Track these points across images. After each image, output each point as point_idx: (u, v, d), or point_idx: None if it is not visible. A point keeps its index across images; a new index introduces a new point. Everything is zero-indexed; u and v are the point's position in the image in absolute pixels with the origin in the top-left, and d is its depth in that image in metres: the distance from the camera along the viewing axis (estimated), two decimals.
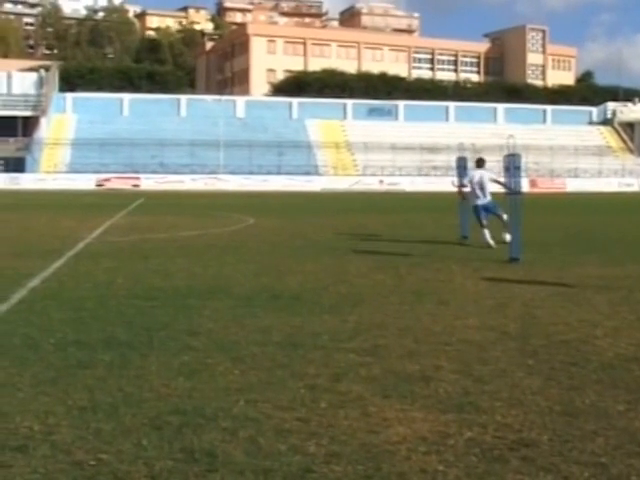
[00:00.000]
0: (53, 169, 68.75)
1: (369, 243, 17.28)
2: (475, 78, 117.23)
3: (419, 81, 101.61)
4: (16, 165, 67.55)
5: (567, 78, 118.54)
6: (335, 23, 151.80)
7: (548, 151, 78.87)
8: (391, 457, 4.22)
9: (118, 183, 65.19)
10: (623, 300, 9.56)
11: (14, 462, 4.10)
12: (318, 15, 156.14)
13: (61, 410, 4.98)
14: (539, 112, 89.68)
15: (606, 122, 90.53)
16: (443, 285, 10.81)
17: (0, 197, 44.02)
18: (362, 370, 6.01)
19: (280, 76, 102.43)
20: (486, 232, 16.20)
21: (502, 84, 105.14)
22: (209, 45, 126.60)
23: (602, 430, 4.68)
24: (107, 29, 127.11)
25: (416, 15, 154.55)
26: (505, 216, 14.99)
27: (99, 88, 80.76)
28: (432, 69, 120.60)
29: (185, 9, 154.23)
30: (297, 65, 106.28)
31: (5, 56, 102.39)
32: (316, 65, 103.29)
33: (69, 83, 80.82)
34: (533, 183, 68.87)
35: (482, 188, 16.53)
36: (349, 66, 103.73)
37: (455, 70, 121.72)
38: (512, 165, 14.02)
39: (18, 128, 72.82)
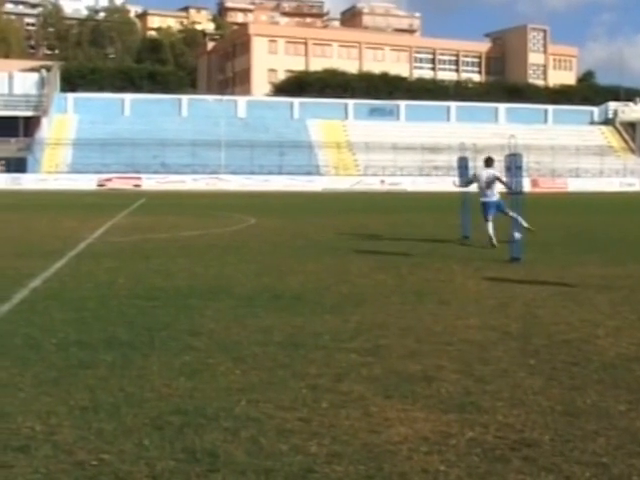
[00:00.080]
0: (54, 169, 68.77)
1: (370, 243, 17.28)
2: (476, 78, 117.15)
3: (420, 81, 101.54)
4: (17, 165, 67.57)
5: (568, 78, 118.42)
6: (336, 23, 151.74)
7: (549, 151, 78.80)
8: (393, 457, 4.22)
9: (119, 183, 65.19)
10: (624, 300, 9.56)
11: (16, 462, 4.10)
12: (319, 15, 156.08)
13: (63, 410, 4.98)
14: (540, 112, 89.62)
15: (607, 122, 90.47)
16: (444, 285, 10.81)
17: (2, 197, 44.04)
18: (364, 370, 6.02)
19: (281, 76, 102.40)
20: (489, 225, 16.27)
21: (503, 84, 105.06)
22: (210, 45, 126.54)
23: (603, 430, 4.68)
24: (108, 29, 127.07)
25: (417, 15, 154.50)
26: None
27: (100, 88, 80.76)
28: (433, 69, 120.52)
29: (186, 9, 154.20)
30: (298, 65, 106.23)
31: (6, 56, 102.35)
32: (317, 65, 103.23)
33: (70, 83, 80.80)
34: (534, 183, 68.84)
35: (490, 187, 16.55)
36: (350, 66, 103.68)
37: (456, 70, 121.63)
38: (513, 165, 14.03)
39: (19, 128, 72.83)
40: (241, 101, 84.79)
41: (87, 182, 64.47)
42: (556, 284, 10.90)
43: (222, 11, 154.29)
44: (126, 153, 69.25)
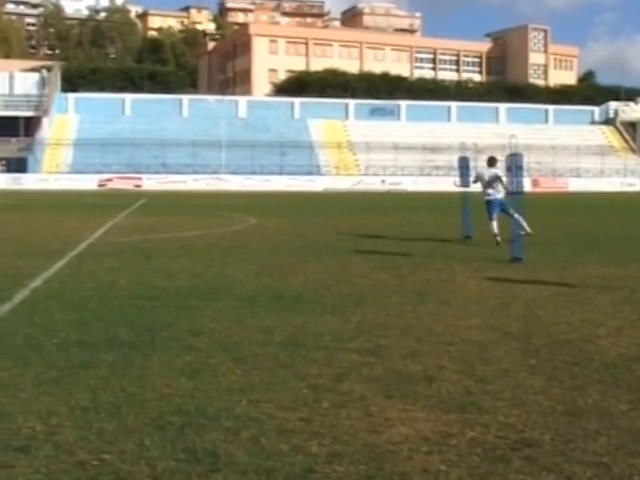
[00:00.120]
0: (55, 169, 68.82)
1: (371, 243, 17.27)
2: (477, 78, 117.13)
3: (421, 81, 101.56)
4: (18, 165, 67.63)
5: (569, 78, 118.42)
6: (337, 23, 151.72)
7: (550, 151, 78.82)
8: (393, 457, 4.22)
9: (120, 183, 65.22)
10: (625, 300, 9.56)
11: (16, 462, 4.10)
12: (320, 15, 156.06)
13: (63, 410, 4.98)
14: (541, 112, 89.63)
15: (608, 122, 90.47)
16: (445, 285, 10.81)
17: (2, 197, 44.06)
18: (364, 370, 6.02)
19: (282, 76, 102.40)
20: (494, 224, 16.33)
21: (504, 84, 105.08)
22: (211, 45, 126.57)
23: (604, 430, 4.68)
24: (109, 29, 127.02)
25: (418, 15, 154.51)
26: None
27: (101, 88, 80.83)
28: (434, 69, 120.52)
29: (187, 9, 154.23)
30: (299, 65, 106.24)
31: (7, 56, 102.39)
32: (318, 65, 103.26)
33: (71, 83, 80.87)
34: (535, 183, 68.85)
35: (493, 186, 16.60)
36: (351, 66, 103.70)
37: (457, 70, 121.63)
38: (514, 165, 14.03)
39: (20, 128, 72.88)
40: (242, 101, 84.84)
41: (88, 182, 64.53)
42: (557, 284, 10.89)
43: (223, 11, 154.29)
44: (127, 153, 69.30)
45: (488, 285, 10.87)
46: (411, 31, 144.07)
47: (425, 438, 4.51)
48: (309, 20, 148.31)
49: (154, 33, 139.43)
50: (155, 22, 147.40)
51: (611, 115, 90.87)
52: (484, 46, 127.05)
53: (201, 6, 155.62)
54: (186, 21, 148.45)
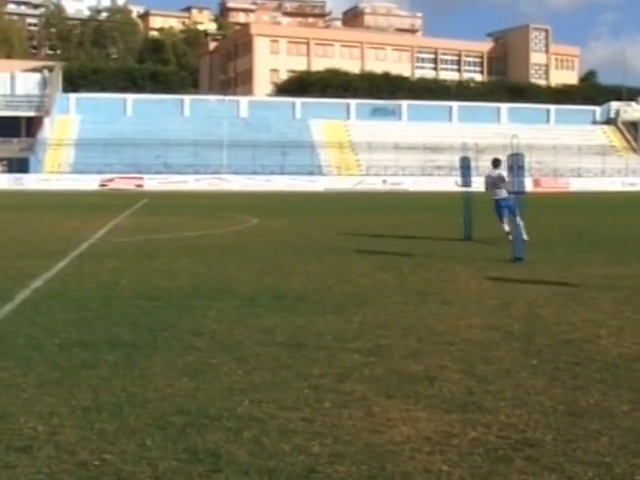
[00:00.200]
0: (57, 169, 68.84)
1: (372, 243, 17.28)
2: (478, 78, 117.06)
3: (422, 81, 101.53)
4: (20, 166, 67.67)
5: (570, 77, 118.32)
6: (338, 23, 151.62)
7: (551, 150, 78.81)
8: (395, 457, 4.22)
9: (122, 183, 65.25)
10: (627, 299, 9.55)
11: (18, 462, 4.11)
12: (321, 15, 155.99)
13: (65, 410, 4.98)
14: (542, 112, 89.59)
15: (609, 121, 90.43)
16: (446, 285, 10.81)
17: (4, 198, 44.09)
18: (366, 370, 6.02)
19: (283, 76, 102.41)
20: (505, 225, 16.45)
21: (505, 84, 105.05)
22: (212, 45, 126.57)
23: (606, 430, 4.68)
24: (110, 29, 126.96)
25: (419, 15, 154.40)
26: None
27: (102, 88, 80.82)
28: (435, 69, 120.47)
29: (188, 9, 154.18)
30: (300, 65, 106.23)
31: (8, 57, 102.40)
32: (319, 65, 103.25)
33: (72, 83, 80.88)
34: (536, 183, 68.80)
35: (499, 186, 16.68)
36: (352, 66, 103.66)
37: (458, 70, 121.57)
38: (516, 164, 14.03)
39: (22, 129, 72.95)
40: (243, 101, 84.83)
41: (89, 182, 64.55)
42: (558, 284, 10.89)
43: (224, 11, 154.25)
44: (128, 153, 69.32)
45: (489, 285, 10.87)
46: (412, 31, 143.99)
47: (427, 438, 4.51)
48: (310, 20, 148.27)
49: (155, 33, 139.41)
50: (156, 22, 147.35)
51: (612, 115, 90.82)
52: (485, 46, 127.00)
53: (202, 6, 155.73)
54: (187, 21, 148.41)
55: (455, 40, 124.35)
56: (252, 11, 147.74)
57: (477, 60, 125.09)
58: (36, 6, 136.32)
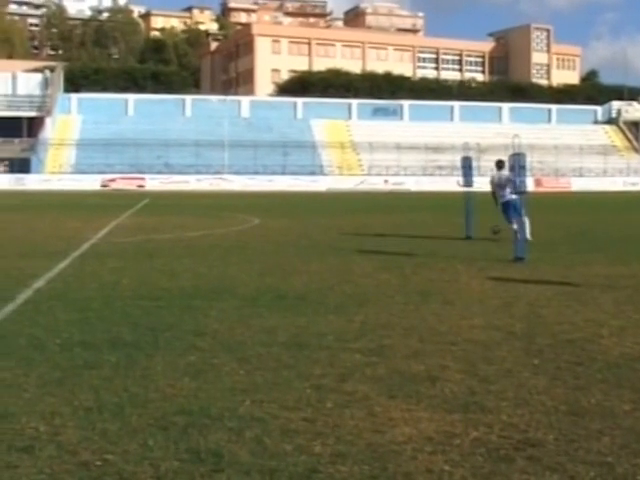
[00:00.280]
0: (58, 170, 68.90)
1: (374, 243, 17.27)
2: (480, 77, 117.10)
3: (424, 81, 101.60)
4: (21, 166, 67.74)
5: (572, 77, 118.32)
6: (339, 23, 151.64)
7: (553, 150, 78.84)
8: (397, 457, 4.22)
9: (123, 184, 65.29)
10: (629, 299, 9.55)
11: (20, 463, 4.10)
12: (322, 15, 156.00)
13: (67, 411, 4.98)
14: (544, 111, 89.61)
15: (611, 121, 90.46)
16: (448, 285, 10.80)
17: (5, 198, 44.11)
18: (368, 370, 6.01)
19: (285, 76, 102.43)
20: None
21: (507, 83, 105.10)
22: (214, 45, 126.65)
23: (608, 429, 4.67)
24: (112, 30, 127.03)
25: (420, 15, 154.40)
26: (526, 221, 15.05)
27: (104, 89, 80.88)
28: (437, 69, 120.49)
29: (190, 9, 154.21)
30: (302, 65, 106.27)
31: (10, 57, 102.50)
32: (321, 65, 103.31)
33: (74, 84, 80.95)
34: (538, 182, 68.81)
35: (504, 188, 16.65)
36: (354, 66, 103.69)
37: (460, 70, 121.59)
38: (517, 164, 14.03)
39: (23, 129, 73.01)
40: (244, 101, 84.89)
41: (91, 182, 64.62)
42: (560, 284, 10.89)
43: (225, 11, 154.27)
44: (130, 153, 69.39)
45: (491, 285, 10.86)
46: (414, 31, 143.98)
47: (429, 438, 4.51)
48: (312, 20, 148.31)
49: (157, 33, 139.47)
50: (158, 22, 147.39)
51: (614, 115, 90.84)
52: (487, 46, 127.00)
53: (204, 6, 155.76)
54: (189, 21, 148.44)
55: (456, 40, 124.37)
56: (253, 11, 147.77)
57: (478, 60, 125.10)
58: (37, 6, 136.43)
